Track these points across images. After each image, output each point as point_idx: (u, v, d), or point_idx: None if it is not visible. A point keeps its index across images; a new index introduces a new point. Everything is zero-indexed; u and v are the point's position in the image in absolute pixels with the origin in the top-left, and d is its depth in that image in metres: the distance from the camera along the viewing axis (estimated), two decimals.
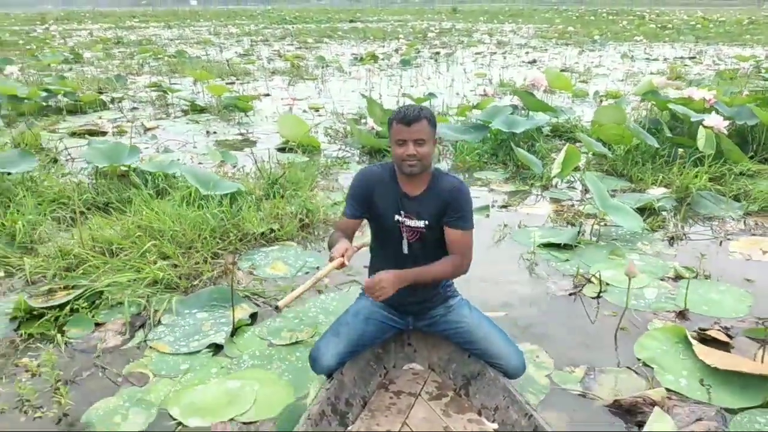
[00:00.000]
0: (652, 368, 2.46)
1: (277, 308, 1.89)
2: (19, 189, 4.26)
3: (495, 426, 2.04)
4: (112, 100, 8.90)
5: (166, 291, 3.10)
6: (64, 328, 2.79)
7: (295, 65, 13.42)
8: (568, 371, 2.44)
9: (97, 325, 2.84)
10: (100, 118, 7.82)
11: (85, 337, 2.75)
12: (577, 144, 5.76)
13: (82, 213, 4.00)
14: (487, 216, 4.29)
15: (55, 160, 5.50)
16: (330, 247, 2.18)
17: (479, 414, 2.12)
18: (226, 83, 10.34)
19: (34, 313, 2.86)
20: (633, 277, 2.64)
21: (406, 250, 2.22)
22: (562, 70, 12.30)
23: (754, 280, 3.25)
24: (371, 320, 2.28)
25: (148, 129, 7.15)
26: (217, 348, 2.65)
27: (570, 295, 3.12)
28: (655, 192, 4.56)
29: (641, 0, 68.70)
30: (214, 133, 7.06)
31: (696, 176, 4.59)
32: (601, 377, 2.40)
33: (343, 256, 2.03)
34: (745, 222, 4.11)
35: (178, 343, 2.68)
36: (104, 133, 6.87)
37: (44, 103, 8.04)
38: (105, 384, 2.43)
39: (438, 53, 15.88)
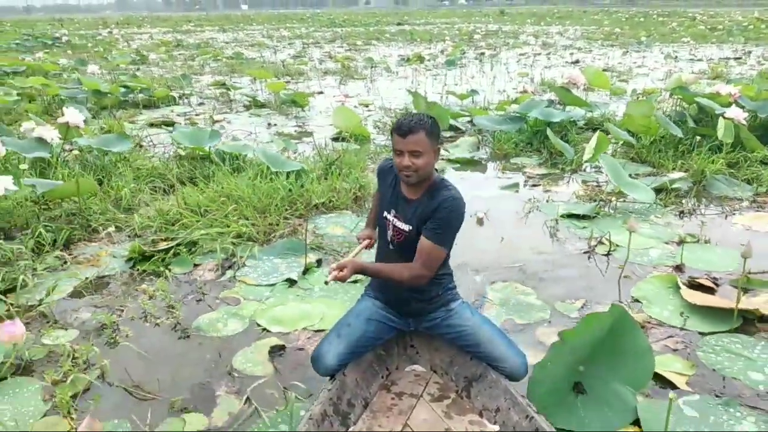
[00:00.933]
0: (641, 303, 3.00)
1: (326, 283, 2.09)
2: (118, 165, 5.05)
3: (496, 428, 2.07)
4: (181, 96, 9.78)
5: (247, 242, 3.79)
6: (169, 267, 3.50)
7: (345, 66, 14.14)
8: (569, 302, 3.01)
9: (195, 265, 3.55)
10: (171, 111, 8.68)
11: (186, 274, 3.46)
12: (609, 136, 6.23)
13: (171, 186, 4.76)
14: (516, 191, 4.86)
15: (140, 145, 6.31)
16: (367, 221, 2.61)
17: (480, 415, 2.14)
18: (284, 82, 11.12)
19: (146, 255, 3.58)
20: (633, 232, 3.18)
21: (390, 246, 2.27)
22: (604, 70, 12.67)
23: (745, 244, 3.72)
24: (373, 321, 2.30)
25: (216, 121, 7.94)
26: (291, 282, 3.31)
27: (584, 253, 3.67)
28: (674, 176, 5.02)
29: (697, 1, 67.23)
30: (275, 125, 7.79)
31: (712, 162, 5.03)
32: (595, 307, 2.96)
33: (367, 239, 2.47)
34: (753, 201, 4.55)
35: (261, 278, 3.36)
36: (170, 125, 7.68)
37: (123, 98, 8.96)
38: (206, 305, 3.13)
39: (482, 54, 16.38)
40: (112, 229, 4.01)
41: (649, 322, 2.83)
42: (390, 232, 2.25)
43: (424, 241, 2.12)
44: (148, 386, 2.44)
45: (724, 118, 5.38)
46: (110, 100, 8.52)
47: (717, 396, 2.32)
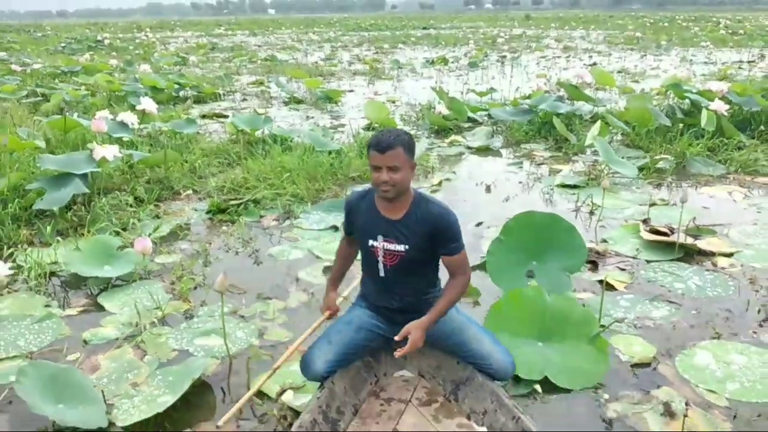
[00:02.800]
0: (607, 241, 3.87)
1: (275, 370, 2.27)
2: (188, 144, 6.05)
3: (484, 429, 2.10)
4: (226, 93, 10.83)
5: (300, 202, 4.73)
6: (240, 217, 4.45)
7: (373, 67, 15.11)
8: None
9: (261, 216, 4.50)
10: (218, 106, 9.71)
11: (255, 222, 4.41)
12: (609, 127, 7.06)
13: (233, 161, 5.75)
14: (521, 167, 5.74)
15: (198, 132, 7.31)
16: (330, 281, 2.55)
17: (468, 418, 2.17)
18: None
19: (221, 208, 4.54)
20: (606, 189, 4.04)
21: (382, 273, 2.26)
22: (619, 72, 13.47)
23: (708, 207, 4.55)
24: (363, 329, 2.32)
25: (260, 114, 8.93)
26: (335, 228, 4.23)
27: (572, 211, 4.53)
28: (658, 157, 5.84)
29: (729, 6, 66.87)
30: (312, 118, 8.75)
31: (691, 145, 5.84)
32: None
33: (329, 309, 2.45)
34: (723, 177, 5.36)
35: (313, 225, 4.30)
36: (226, 116, 8.69)
37: (175, 94, 10.02)
38: (271, 241, 4.07)
39: (504, 57, 17.22)
40: (190, 192, 4.99)
41: (609, 252, 3.70)
42: (381, 259, 2.24)
43: (452, 258, 2.21)
44: (240, 284, 3.39)
45: (708, 109, 6.19)
46: (165, 95, 9.58)
47: (649, 298, 3.19)
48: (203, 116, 8.68)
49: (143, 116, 6.20)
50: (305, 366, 2.25)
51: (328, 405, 2.11)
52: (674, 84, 7.40)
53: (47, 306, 3.21)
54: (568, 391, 2.44)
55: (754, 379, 2.49)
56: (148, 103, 6.12)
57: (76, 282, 3.46)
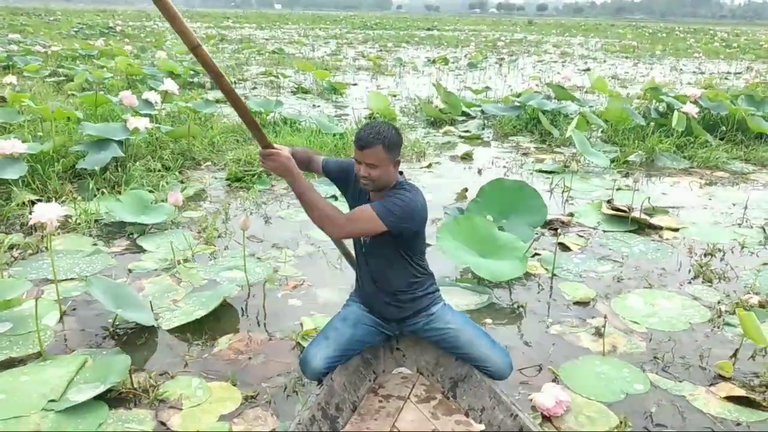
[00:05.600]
0: (573, 215, 4.50)
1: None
2: (206, 123, 6.67)
3: (482, 427, 2.12)
4: (237, 82, 11.43)
5: (306, 175, 5.33)
6: (254, 185, 5.05)
7: (376, 64, 15.72)
8: None
9: (272, 185, 5.11)
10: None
11: (267, 189, 5.02)
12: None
13: (249, 138, 6.35)
14: (506, 155, 6.37)
15: (212, 114, 7.91)
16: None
17: (466, 415, 2.19)
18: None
19: (238, 177, 5.15)
20: (575, 172, 4.66)
21: (363, 249, 2.32)
22: (611, 78, 14.10)
23: (667, 194, 5.19)
24: (359, 325, 2.34)
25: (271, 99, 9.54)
26: (335, 198, 4.81)
27: (546, 191, 5.15)
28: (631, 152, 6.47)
29: (731, 20, 67.50)
30: (318, 106, 9.36)
31: (661, 142, 6.46)
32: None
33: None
34: (685, 170, 5.99)
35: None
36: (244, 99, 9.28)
37: (190, 80, 10.62)
38: (281, 206, 4.68)
39: (503, 59, 17.86)
40: (209, 163, 5.61)
41: (573, 223, 4.34)
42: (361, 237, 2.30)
43: (366, 206, 2.12)
44: (256, 236, 4.00)
45: (679, 111, 6.82)
46: (181, 80, 10.17)
47: (598, 258, 3.82)
48: (217, 101, 9.25)
49: (165, 96, 6.80)
50: (304, 364, 2.26)
51: (327, 402, 2.12)
52: (653, 87, 8.03)
53: (94, 245, 3.82)
54: (523, 316, 3.07)
55: (672, 316, 3.12)
56: (170, 85, 6.71)
57: (117, 228, 4.07)
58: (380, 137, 2.09)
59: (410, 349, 2.47)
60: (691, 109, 6.86)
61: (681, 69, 16.63)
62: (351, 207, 2.34)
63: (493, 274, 3.27)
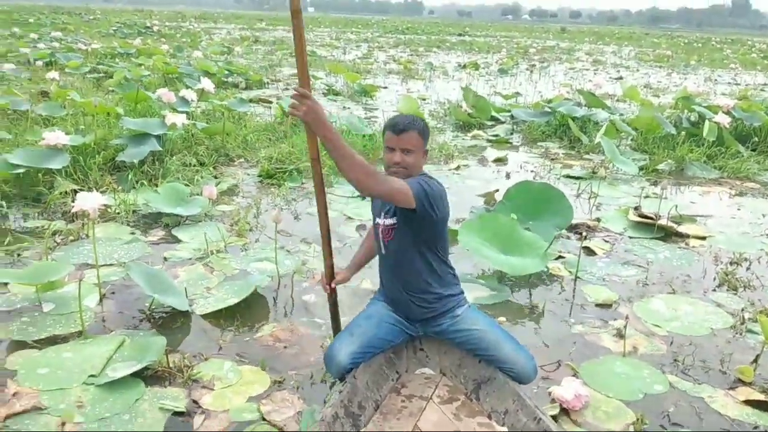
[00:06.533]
0: (600, 220, 4.52)
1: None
2: (240, 121, 6.84)
3: (504, 429, 2.11)
4: (270, 82, 11.64)
5: (335, 173, 5.46)
6: (285, 182, 5.18)
7: (407, 68, 15.83)
8: None
9: (302, 183, 5.24)
10: (263, 93, 10.51)
11: (297, 187, 5.15)
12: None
13: (279, 137, 6.50)
14: (534, 160, 6.39)
15: (246, 113, 8.10)
16: (354, 257, 2.64)
17: (489, 417, 2.18)
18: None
19: (269, 174, 5.29)
20: (603, 178, 4.68)
21: (383, 250, 2.33)
22: (644, 87, 13.99)
23: (696, 203, 5.17)
24: (384, 324, 2.35)
25: None
26: (363, 198, 4.94)
27: (574, 196, 5.17)
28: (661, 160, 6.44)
29: None
30: (348, 108, 9.49)
31: (691, 152, 6.43)
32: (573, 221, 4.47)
33: (331, 278, 2.42)
34: (716, 180, 5.96)
35: (345, 193, 5.01)
36: (270, 102, 9.47)
37: (224, 79, 10.85)
38: (311, 203, 4.79)
39: (534, 66, 17.81)
40: (242, 160, 5.76)
41: (599, 228, 4.36)
42: (381, 237, 2.31)
43: (401, 179, 2.11)
44: (286, 231, 4.12)
45: (711, 121, 6.78)
46: (215, 79, 10.38)
47: (622, 262, 3.85)
48: (250, 100, 9.46)
49: (202, 94, 7.00)
50: (329, 360, 2.28)
51: (350, 400, 2.13)
52: (685, 97, 7.97)
53: (132, 234, 3.98)
54: (543, 315, 3.13)
55: (693, 321, 3.14)
56: (207, 83, 6.91)
57: (153, 218, 4.23)
58: (416, 124, 2.19)
59: (434, 350, 2.46)
60: (723, 119, 6.81)
61: (716, 79, 16.40)
62: (373, 213, 2.41)
63: (512, 268, 3.34)
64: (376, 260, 2.53)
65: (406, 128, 2.16)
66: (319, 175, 2.17)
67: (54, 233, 3.83)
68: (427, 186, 2.12)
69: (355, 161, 1.92)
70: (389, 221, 2.25)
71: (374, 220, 2.36)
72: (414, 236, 2.22)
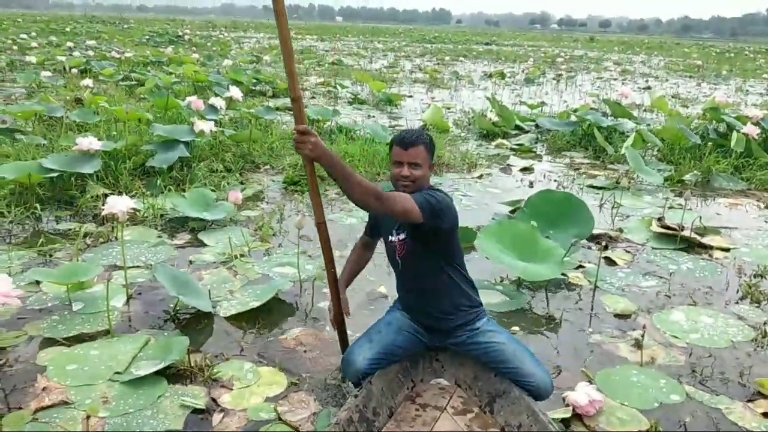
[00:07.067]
0: (622, 230, 4.50)
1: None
2: (267, 128, 6.96)
3: None
4: None
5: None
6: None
7: (432, 77, 15.90)
8: None
9: (325, 190, 5.31)
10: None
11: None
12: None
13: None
14: (559, 170, 6.39)
15: (273, 121, 8.24)
16: (342, 275, 2.63)
17: (502, 431, 2.18)
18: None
19: (294, 181, 5.38)
20: (626, 188, 4.66)
21: (399, 266, 2.35)
22: (672, 97, 13.83)
23: (721, 214, 5.12)
24: (402, 332, 2.37)
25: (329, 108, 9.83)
26: None
27: (597, 206, 5.15)
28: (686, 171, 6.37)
29: None
30: (373, 117, 9.58)
31: (718, 162, 6.35)
32: (594, 231, 4.45)
33: (341, 314, 2.47)
34: (742, 192, 5.88)
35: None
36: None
37: (252, 88, 11.04)
38: (332, 210, 4.86)
39: (560, 75, 17.73)
40: (268, 166, 5.87)
41: (621, 239, 4.35)
42: (396, 253, 2.33)
43: (406, 194, 2.14)
44: (308, 236, 4.19)
45: (738, 132, 6.69)
46: (244, 88, 10.58)
47: (643, 273, 3.83)
48: (277, 108, 9.61)
49: (230, 102, 7.14)
50: (347, 364, 2.32)
51: (365, 405, 2.15)
52: (713, 108, 7.88)
53: (159, 237, 4.09)
54: (560, 324, 3.13)
55: (714, 333, 3.11)
56: (235, 92, 7.05)
57: (180, 223, 4.35)
58: (422, 138, 2.25)
59: (449, 361, 2.48)
60: (752, 131, 6.71)
61: (747, 90, 16.12)
62: (385, 230, 2.43)
63: (529, 274, 3.35)
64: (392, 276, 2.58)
65: (414, 142, 2.21)
66: (324, 235, 2.34)
67: (84, 235, 3.96)
68: (432, 198, 2.15)
69: (360, 183, 1.99)
70: (401, 236, 2.30)
71: (387, 239, 2.38)
72: (425, 248, 2.26)
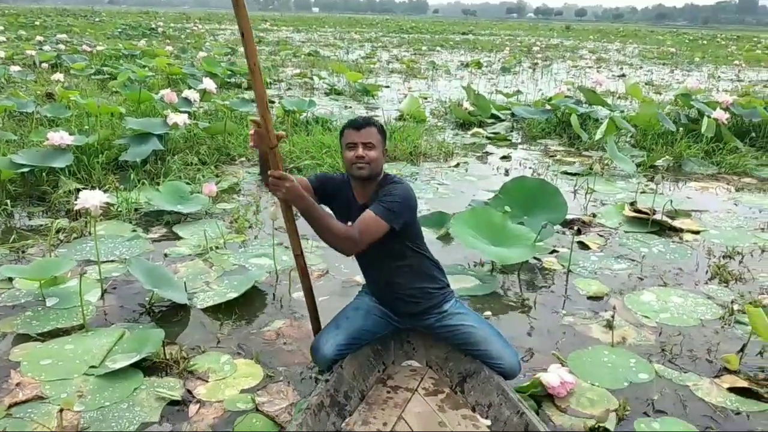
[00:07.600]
0: (595, 215, 4.57)
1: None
2: (241, 120, 6.93)
3: (488, 422, 2.13)
4: (272, 82, 11.72)
5: (335, 171, 5.53)
6: None
7: (409, 67, 15.89)
8: None
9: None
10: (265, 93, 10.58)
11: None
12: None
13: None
14: (534, 157, 6.45)
15: (249, 112, 8.18)
16: None
17: (473, 410, 2.20)
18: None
19: None
20: (600, 174, 4.73)
21: (363, 255, 2.35)
22: (645, 84, 14.00)
23: (692, 198, 5.22)
24: (371, 315, 2.40)
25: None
26: None
27: (571, 192, 5.22)
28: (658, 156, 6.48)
29: None
30: (350, 107, 9.56)
31: (689, 147, 6.47)
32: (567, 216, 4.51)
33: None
34: (713, 176, 5.99)
35: None
36: (273, 102, 9.55)
37: (227, 80, 10.94)
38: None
39: (536, 64, 17.83)
40: (243, 159, 5.84)
41: (594, 223, 4.42)
42: None
43: (367, 213, 2.14)
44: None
45: (708, 117, 6.81)
46: (219, 80, 10.50)
47: (615, 256, 3.90)
48: (252, 100, 9.53)
49: (204, 94, 7.08)
50: (315, 351, 2.34)
51: (336, 390, 2.17)
52: (684, 94, 8.01)
53: (134, 231, 4.06)
54: (534, 307, 3.19)
55: (683, 312, 3.19)
56: (209, 83, 6.99)
57: (155, 216, 4.32)
58: (374, 121, 2.32)
59: (420, 343, 2.51)
60: (721, 115, 6.83)
61: (719, 76, 16.37)
62: (341, 218, 2.29)
63: (500, 257, 3.40)
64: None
65: (365, 124, 2.27)
66: (302, 268, 2.43)
67: (57, 231, 3.92)
68: (391, 204, 2.17)
69: (336, 233, 2.08)
70: None
71: (346, 224, 2.25)
72: (390, 242, 2.26)
